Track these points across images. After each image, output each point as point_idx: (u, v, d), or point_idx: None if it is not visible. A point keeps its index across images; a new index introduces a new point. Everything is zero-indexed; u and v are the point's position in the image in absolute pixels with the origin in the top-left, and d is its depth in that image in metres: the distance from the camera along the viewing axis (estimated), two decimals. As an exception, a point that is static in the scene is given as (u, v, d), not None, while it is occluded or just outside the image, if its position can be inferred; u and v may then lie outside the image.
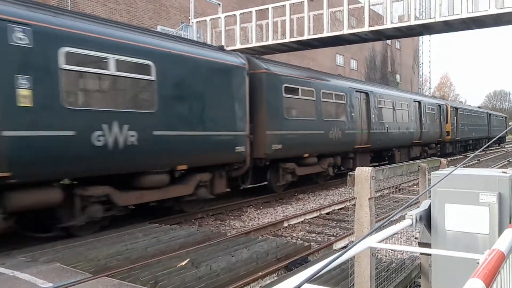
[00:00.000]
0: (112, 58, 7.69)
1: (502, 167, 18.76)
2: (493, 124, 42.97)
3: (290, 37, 16.88)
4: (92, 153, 7.30)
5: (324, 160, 14.70)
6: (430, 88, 64.97)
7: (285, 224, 9.45)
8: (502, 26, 14.99)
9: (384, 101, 19.16)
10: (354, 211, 3.96)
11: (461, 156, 28.18)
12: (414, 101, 22.98)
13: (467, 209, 3.12)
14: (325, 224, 9.69)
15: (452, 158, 25.55)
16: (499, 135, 4.51)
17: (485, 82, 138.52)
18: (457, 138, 30.17)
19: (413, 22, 14.74)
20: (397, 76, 54.48)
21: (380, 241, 2.30)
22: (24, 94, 6.40)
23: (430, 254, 4.03)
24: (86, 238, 7.20)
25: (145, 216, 9.42)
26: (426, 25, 14.90)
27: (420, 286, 5.17)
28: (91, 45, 7.37)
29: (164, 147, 8.68)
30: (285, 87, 12.66)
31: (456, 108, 30.87)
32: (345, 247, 7.27)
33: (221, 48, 11.22)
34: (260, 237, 8.02)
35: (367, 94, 17.71)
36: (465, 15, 13.53)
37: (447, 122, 27.79)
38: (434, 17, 14.09)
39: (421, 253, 4.80)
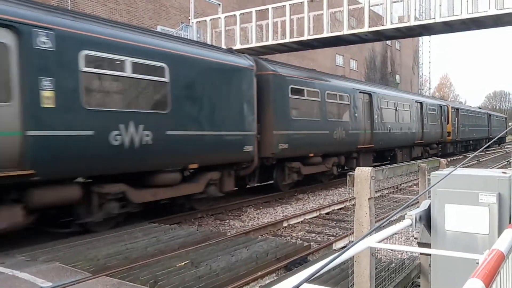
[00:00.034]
0: (128, 60, 8.00)
1: (501, 167, 18.77)
2: (493, 124, 43.10)
3: (290, 38, 16.88)
4: (109, 152, 7.60)
5: (328, 159, 14.98)
6: (430, 88, 65.01)
7: (285, 224, 9.45)
8: (502, 27, 15.00)
9: (387, 101, 19.39)
10: (353, 211, 3.96)
11: (460, 157, 28.20)
12: (416, 101, 23.20)
13: (467, 209, 3.12)
14: (325, 224, 9.70)
15: (452, 158, 25.57)
16: (499, 136, 4.51)
17: (485, 82, 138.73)
18: (458, 138, 30.39)
19: (413, 22, 14.75)
20: (397, 77, 54.49)
21: (380, 241, 2.30)
22: (47, 96, 6.69)
23: (429, 254, 4.03)
24: (86, 237, 7.20)
25: (145, 216, 9.42)
26: (426, 26, 14.90)
27: (419, 286, 5.17)
28: (109, 48, 7.70)
29: (176, 146, 8.99)
30: (291, 88, 12.96)
31: (457, 109, 31.06)
32: (344, 247, 7.27)
33: (230, 50, 11.55)
34: (259, 237, 8.02)
35: (370, 95, 17.94)
36: (465, 15, 13.53)
37: (448, 123, 28.00)
38: (434, 18, 14.09)
39: (421, 253, 4.81)
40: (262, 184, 13.68)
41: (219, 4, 20.27)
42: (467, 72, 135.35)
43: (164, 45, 8.94)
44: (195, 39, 17.76)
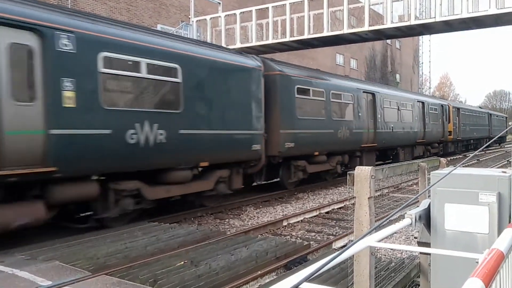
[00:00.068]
0: (143, 61, 8.32)
1: (501, 166, 18.76)
2: (493, 124, 43.23)
3: (290, 36, 16.87)
4: (126, 150, 7.91)
5: (333, 158, 15.26)
6: (430, 88, 64.98)
7: (285, 223, 9.45)
8: (502, 26, 14.99)
9: (390, 101, 19.63)
10: (353, 210, 3.95)
11: (460, 156, 28.23)
12: (418, 101, 23.46)
13: (467, 208, 3.12)
14: (325, 223, 9.70)
15: (452, 157, 25.59)
16: (499, 135, 4.51)
17: (485, 82, 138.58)
18: (459, 137, 30.62)
19: (413, 21, 14.74)
20: (397, 76, 54.47)
21: (380, 240, 2.30)
22: (68, 96, 7.01)
23: (429, 254, 4.03)
24: (85, 236, 7.20)
25: (145, 215, 9.42)
26: (426, 25, 14.89)
27: (419, 285, 5.17)
28: (126, 50, 8.02)
29: (188, 145, 9.30)
30: (297, 88, 13.23)
31: (458, 108, 31.27)
32: (344, 246, 7.27)
33: (237, 52, 11.86)
34: (259, 236, 8.02)
35: (373, 94, 18.16)
36: (465, 15, 13.52)
37: (449, 122, 28.24)
38: (434, 17, 14.08)
39: (421, 253, 4.81)
40: (268, 182, 13.93)
41: (219, 3, 20.25)
42: (467, 71, 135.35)
43: (177, 47, 9.24)
44: (195, 38, 17.75)
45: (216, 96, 10.09)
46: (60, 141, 6.89)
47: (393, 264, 5.69)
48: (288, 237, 8.36)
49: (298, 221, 9.76)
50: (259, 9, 17.81)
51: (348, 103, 16.12)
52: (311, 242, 7.64)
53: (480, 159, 25.19)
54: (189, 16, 20.27)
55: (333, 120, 14.95)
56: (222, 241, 7.00)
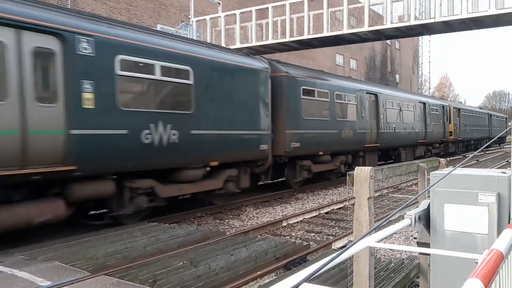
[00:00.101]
0: (158, 64, 8.63)
1: (501, 167, 18.77)
2: (493, 124, 43.40)
3: (290, 37, 16.86)
4: (141, 150, 8.22)
5: (336, 158, 15.55)
6: (429, 88, 64.95)
7: (284, 224, 9.45)
8: (502, 26, 15.00)
9: (392, 102, 19.91)
10: (353, 210, 3.96)
11: (460, 156, 28.26)
12: (419, 102, 23.78)
13: (466, 209, 3.12)
14: (324, 223, 9.70)
15: (451, 158, 25.61)
16: (498, 136, 4.51)
17: (485, 82, 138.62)
18: (460, 138, 30.90)
19: (413, 22, 14.74)
20: (397, 76, 54.47)
21: (379, 241, 2.30)
22: (88, 97, 7.31)
23: (429, 254, 4.03)
24: (85, 236, 7.20)
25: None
26: (426, 25, 14.89)
27: (418, 286, 5.17)
28: (141, 53, 8.33)
29: (200, 144, 9.61)
30: (303, 89, 13.54)
31: (459, 109, 31.57)
32: (344, 246, 7.27)
33: (245, 54, 12.16)
34: (259, 236, 8.02)
35: (376, 95, 18.42)
36: (465, 15, 13.53)
37: (450, 123, 28.52)
38: (434, 17, 14.09)
39: (420, 253, 4.81)
40: (274, 181, 14.20)
41: (219, 3, 20.25)
42: (466, 71, 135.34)
43: (189, 49, 9.56)
44: (194, 38, 17.75)
45: (226, 97, 10.41)
46: (80, 141, 7.21)
47: (392, 264, 5.69)
48: (288, 237, 8.36)
49: (297, 222, 9.76)
50: (259, 9, 17.81)
51: (352, 104, 16.39)
52: (311, 243, 7.64)
53: (480, 160, 25.20)
54: (189, 16, 20.27)
55: (337, 121, 15.24)
56: (222, 242, 6.99)
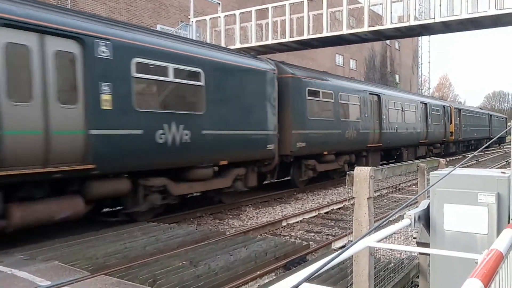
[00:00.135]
0: (171, 66, 8.92)
1: (501, 167, 18.78)
2: (494, 124, 43.63)
3: (290, 37, 16.88)
4: (155, 149, 8.52)
5: (340, 157, 15.82)
6: (429, 88, 64.94)
7: (284, 224, 9.45)
8: (501, 27, 15.01)
9: (394, 102, 20.16)
10: (352, 210, 3.96)
11: (460, 157, 28.30)
12: (421, 102, 24.08)
13: (466, 209, 3.12)
14: (324, 223, 9.70)
15: (451, 158, 25.64)
16: (498, 136, 4.52)
17: (484, 82, 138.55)
18: (460, 138, 31.21)
19: (412, 22, 14.76)
20: (397, 77, 54.48)
21: (379, 241, 2.30)
22: (106, 99, 7.61)
23: (428, 254, 4.03)
24: (85, 236, 7.20)
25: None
26: (425, 26, 14.91)
27: (418, 286, 5.17)
28: (155, 56, 8.62)
29: (210, 144, 9.93)
30: (308, 90, 13.80)
31: (459, 110, 31.87)
32: (343, 246, 7.27)
33: (253, 56, 12.47)
34: (258, 236, 8.02)
35: (379, 96, 18.65)
36: (464, 16, 13.54)
37: (451, 123, 28.82)
38: (434, 18, 14.10)
39: (420, 253, 4.81)
40: (279, 180, 14.50)
41: (219, 3, 20.25)
42: (466, 72, 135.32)
43: (200, 52, 9.87)
44: (194, 38, 17.76)
45: (235, 98, 10.72)
46: (99, 140, 7.50)
47: (392, 264, 5.69)
48: (288, 237, 8.36)
49: (297, 222, 9.76)
50: (259, 9, 17.83)
51: (355, 105, 16.65)
52: (310, 243, 7.64)
53: (480, 160, 25.21)
54: (189, 17, 20.27)
55: (341, 121, 15.49)
56: (221, 242, 6.99)
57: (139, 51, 8.26)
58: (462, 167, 3.51)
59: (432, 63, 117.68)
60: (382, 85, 34.02)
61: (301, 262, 6.29)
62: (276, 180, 14.14)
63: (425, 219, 3.28)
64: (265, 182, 13.96)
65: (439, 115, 26.72)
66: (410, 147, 22.45)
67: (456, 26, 14.87)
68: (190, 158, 9.42)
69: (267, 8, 17.30)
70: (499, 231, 2.76)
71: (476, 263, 1.74)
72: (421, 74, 63.13)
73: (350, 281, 4.13)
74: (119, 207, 9.00)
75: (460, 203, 3.15)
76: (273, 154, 12.07)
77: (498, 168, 16.69)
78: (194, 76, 9.52)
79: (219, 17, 18.80)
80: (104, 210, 9.38)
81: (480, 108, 49.74)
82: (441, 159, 5.81)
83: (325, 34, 16.10)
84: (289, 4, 16.74)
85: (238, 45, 17.50)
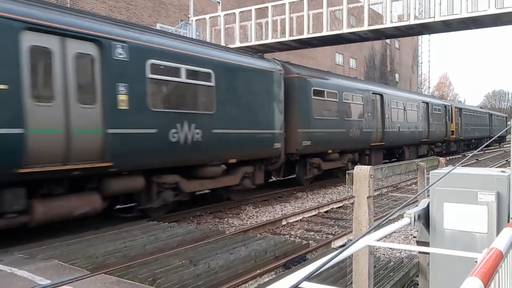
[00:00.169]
0: (183, 67, 9.23)
1: (500, 166, 18.78)
2: (494, 124, 43.88)
3: (290, 36, 16.88)
4: (168, 148, 8.81)
5: (344, 156, 16.07)
6: (429, 87, 64.92)
7: (284, 223, 9.45)
8: (502, 26, 15.01)
9: (396, 102, 20.44)
10: (352, 209, 3.96)
11: (459, 156, 28.34)
12: (422, 102, 24.33)
13: (466, 208, 3.12)
14: (324, 222, 9.70)
15: (451, 157, 25.66)
16: (498, 135, 4.52)
17: (484, 81, 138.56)
18: (461, 137, 31.52)
19: (412, 21, 14.75)
20: (396, 76, 54.45)
21: (379, 240, 2.30)
22: (122, 99, 7.89)
23: (428, 253, 4.04)
24: (84, 235, 7.20)
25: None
26: (425, 25, 14.91)
27: (418, 284, 5.18)
28: (169, 57, 8.93)
29: (220, 143, 10.23)
30: (313, 89, 14.05)
31: (460, 109, 32.20)
32: (343, 245, 7.28)
33: (260, 56, 12.77)
34: (258, 235, 8.02)
35: (381, 95, 18.89)
36: (464, 15, 13.54)
37: (452, 122, 29.12)
38: (434, 17, 14.10)
39: (419, 252, 4.81)
40: (285, 178, 14.74)
41: (219, 2, 20.23)
42: (466, 71, 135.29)
43: (210, 53, 10.17)
44: (194, 37, 17.74)
45: (243, 98, 11.02)
46: (116, 139, 7.79)
47: (392, 263, 5.69)
48: (287, 236, 8.37)
49: (297, 221, 9.76)
50: (259, 8, 17.81)
51: (359, 104, 16.88)
52: (310, 242, 7.64)
53: (479, 159, 25.22)
54: (189, 15, 20.27)
55: (345, 120, 15.74)
56: (221, 240, 7.00)
57: (153, 53, 8.55)
58: (462, 166, 3.50)
59: (432, 62, 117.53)
60: (385, 84, 34.20)
61: (301, 261, 6.29)
62: (282, 178, 14.42)
63: (425, 218, 3.28)
64: (270, 180, 14.18)
65: (441, 114, 26.99)
66: (412, 146, 22.70)
67: (456, 25, 14.86)
68: (201, 156, 9.73)
69: (267, 7, 17.29)
70: (498, 230, 2.76)
71: (476, 262, 1.74)
72: (421, 73, 63.11)
73: (350, 280, 4.13)
74: (131, 204, 9.38)
75: (460, 202, 3.15)
76: (280, 152, 12.35)
77: (498, 167, 16.70)
78: (205, 76, 9.82)
79: (219, 16, 18.79)
80: (117, 207, 9.58)
81: (481, 107, 49.92)
82: (441, 158, 5.81)
83: (325, 33, 16.10)
84: (289, 3, 16.72)
85: (238, 44, 17.49)
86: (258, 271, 5.70)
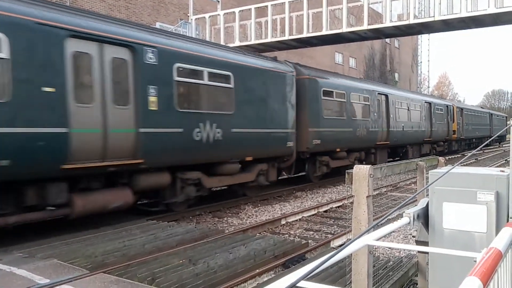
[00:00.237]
0: (206, 70, 9.82)
1: (500, 166, 18.80)
2: (494, 123, 44.18)
3: (289, 35, 16.88)
4: (192, 146, 9.41)
5: (351, 154, 16.61)
6: (428, 87, 64.93)
7: (283, 222, 9.45)
8: (501, 25, 15.01)
9: (401, 102, 20.89)
10: (351, 209, 3.95)
11: (459, 155, 28.38)
12: (425, 102, 24.76)
13: (465, 207, 3.12)
14: (323, 222, 9.70)
15: (451, 157, 25.68)
16: (497, 134, 4.52)
17: (484, 81, 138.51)
18: (462, 136, 31.95)
19: (412, 21, 14.75)
20: (396, 75, 54.45)
21: (378, 239, 2.29)
22: (152, 100, 8.46)
23: (427, 252, 4.04)
24: (84, 234, 7.20)
25: (142, 213, 9.44)
26: (425, 24, 14.91)
27: (417, 284, 5.18)
28: (193, 61, 9.53)
29: (238, 141, 10.82)
30: (323, 90, 14.57)
31: (462, 109, 32.64)
32: (342, 245, 7.27)
33: (274, 59, 13.18)
34: (257, 234, 8.02)
35: (386, 96, 19.32)
36: (464, 14, 13.53)
37: (453, 122, 29.55)
38: (433, 16, 14.10)
39: (419, 251, 4.81)
40: (295, 175, 15.18)
41: (218, 1, 20.22)
42: (465, 70, 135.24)
43: (229, 57, 10.81)
44: (194, 36, 17.73)
45: (259, 98, 11.63)
46: (147, 138, 8.35)
47: (391, 263, 5.69)
48: (287, 235, 8.36)
49: (296, 220, 9.76)
50: (258, 7, 17.80)
51: (365, 104, 17.40)
52: (309, 241, 7.64)
53: (479, 158, 25.24)
54: (188, 14, 20.26)
55: (353, 120, 16.25)
56: (221, 240, 7.00)
57: (179, 57, 9.14)
58: (461, 165, 3.50)
59: (431, 62, 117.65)
60: (384, 84, 34.33)
61: (300, 260, 6.29)
62: (292, 176, 14.94)
63: (424, 217, 3.28)
64: (281, 178, 14.56)
65: (443, 114, 27.41)
66: (415, 145, 23.14)
67: (455, 24, 14.86)
68: (221, 154, 10.31)
69: (266, 6, 17.28)
70: (498, 230, 2.75)
71: (475, 261, 1.74)
72: (421, 72, 63.13)
73: (349, 279, 4.13)
74: (153, 200, 9.95)
75: (459, 201, 3.15)
76: (292, 150, 12.93)
77: (497, 166, 16.71)
78: (225, 79, 10.43)
79: (219, 15, 18.78)
80: (139, 202, 9.93)
81: (481, 107, 50.13)
82: (440, 158, 5.80)
83: (324, 32, 16.10)
84: (288, 2, 16.71)
85: (237, 43, 17.48)
86: (257, 270, 5.70)
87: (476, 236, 3.08)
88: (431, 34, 50.37)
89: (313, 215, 10.33)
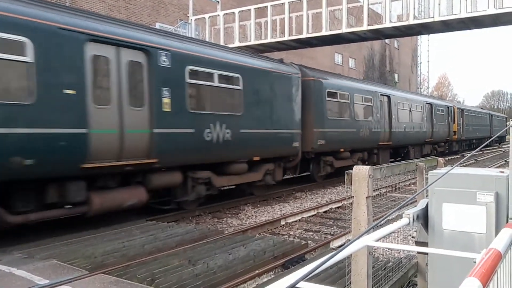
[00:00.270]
0: (216, 73, 10.12)
1: (499, 166, 18.80)
2: (494, 124, 44.40)
3: (289, 35, 16.88)
4: (203, 146, 9.67)
5: (355, 154, 16.89)
6: (428, 88, 64.93)
7: (282, 223, 9.45)
8: (501, 26, 15.03)
9: (403, 103, 21.13)
10: (351, 209, 3.95)
11: (458, 156, 28.40)
12: (426, 103, 24.95)
13: (464, 208, 3.12)
14: (322, 222, 9.70)
15: (450, 157, 25.71)
16: (496, 135, 4.52)
17: (483, 82, 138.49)
18: (463, 137, 32.14)
19: (412, 21, 14.76)
20: (396, 76, 54.47)
21: (377, 240, 2.29)
22: (166, 102, 8.71)
23: (427, 253, 4.04)
24: (83, 235, 7.20)
25: (142, 213, 9.43)
26: (424, 25, 14.92)
27: (417, 285, 5.17)
28: (204, 64, 9.82)
29: (247, 142, 11.12)
30: (328, 91, 14.85)
31: (462, 110, 32.87)
32: (342, 245, 7.27)
33: (280, 61, 13.43)
34: (257, 235, 8.02)
35: (389, 97, 19.54)
36: (464, 15, 13.54)
37: (454, 123, 29.76)
38: (433, 17, 14.11)
39: (418, 252, 4.81)
40: (299, 175, 15.50)
41: (218, 2, 20.22)
42: (465, 71, 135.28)
43: (238, 59, 11.08)
44: (193, 36, 17.74)
45: (267, 100, 11.92)
46: (161, 138, 8.61)
47: (390, 263, 5.69)
48: (286, 236, 8.36)
49: (296, 221, 9.76)
50: (258, 8, 17.81)
51: (368, 105, 17.59)
52: (309, 242, 7.64)
53: (478, 159, 25.24)
54: (188, 15, 20.26)
55: (356, 121, 16.51)
56: (220, 240, 6.99)
57: (191, 60, 9.42)
58: (461, 166, 3.50)
59: (431, 62, 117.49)
60: (384, 84, 34.42)
61: (300, 261, 6.29)
62: (297, 175, 15.21)
63: (424, 218, 3.28)
64: (286, 177, 14.71)
65: (444, 115, 27.61)
66: (417, 145, 23.35)
67: (455, 25, 14.87)
68: (230, 154, 10.59)
69: (266, 7, 17.29)
70: (497, 231, 2.75)
71: (475, 262, 1.74)
72: (420, 73, 63.13)
73: (348, 280, 4.13)
74: (164, 198, 9.99)
75: (459, 202, 3.14)
76: (297, 150, 13.20)
77: (497, 167, 16.72)
78: (234, 81, 10.73)
79: (218, 15, 18.79)
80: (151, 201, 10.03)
81: (481, 108, 50.33)
82: (439, 158, 5.81)
83: (324, 32, 16.11)
84: (288, 2, 16.72)
85: (237, 44, 17.48)
86: (257, 271, 5.70)
87: (475, 237, 3.08)
88: (431, 35, 50.42)
89: (312, 215, 10.33)
